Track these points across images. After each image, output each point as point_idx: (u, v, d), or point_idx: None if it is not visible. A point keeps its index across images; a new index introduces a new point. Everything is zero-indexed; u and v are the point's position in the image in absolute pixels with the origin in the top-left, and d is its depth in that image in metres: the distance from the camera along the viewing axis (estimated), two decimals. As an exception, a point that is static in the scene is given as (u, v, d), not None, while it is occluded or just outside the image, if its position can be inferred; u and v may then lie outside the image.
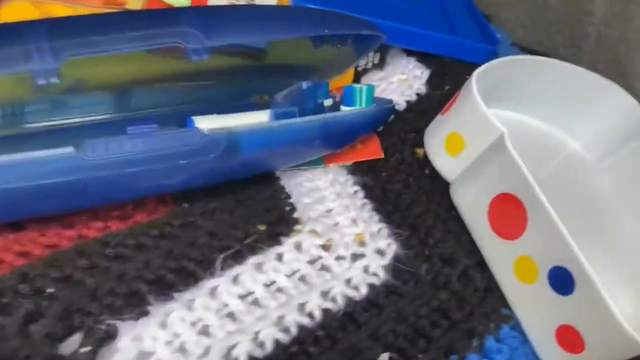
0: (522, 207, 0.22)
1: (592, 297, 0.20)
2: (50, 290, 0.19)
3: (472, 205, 0.25)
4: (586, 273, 0.20)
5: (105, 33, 0.20)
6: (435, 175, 0.27)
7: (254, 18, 0.25)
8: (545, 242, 0.22)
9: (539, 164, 0.27)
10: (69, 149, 0.20)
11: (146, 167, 0.21)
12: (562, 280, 0.21)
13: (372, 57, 0.36)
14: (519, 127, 0.31)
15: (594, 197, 0.30)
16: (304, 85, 0.27)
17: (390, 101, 0.29)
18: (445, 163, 0.26)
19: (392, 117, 0.30)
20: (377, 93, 0.30)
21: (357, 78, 0.35)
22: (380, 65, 0.37)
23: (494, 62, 0.27)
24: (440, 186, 0.27)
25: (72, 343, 0.18)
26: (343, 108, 0.27)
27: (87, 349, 0.18)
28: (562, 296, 0.21)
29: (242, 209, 0.25)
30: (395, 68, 0.36)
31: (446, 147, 0.26)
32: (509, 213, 0.23)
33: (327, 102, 0.28)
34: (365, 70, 0.36)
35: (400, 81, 0.34)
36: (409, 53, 0.37)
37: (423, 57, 0.36)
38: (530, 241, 0.22)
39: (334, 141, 0.27)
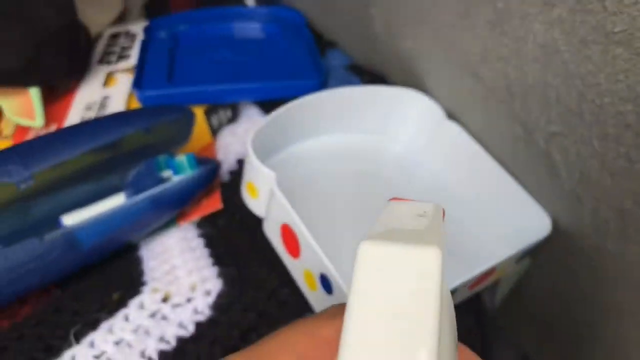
0: (295, 234, 0.28)
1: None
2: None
3: (272, 234, 0.30)
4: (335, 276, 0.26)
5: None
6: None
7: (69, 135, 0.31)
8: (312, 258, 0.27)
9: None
10: None
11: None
12: (326, 284, 0.27)
13: (225, 113, 0.42)
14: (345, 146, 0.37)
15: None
16: (143, 164, 0.33)
17: (214, 161, 0.35)
18: (252, 205, 0.32)
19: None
20: (231, 145, 0.36)
21: (214, 134, 0.41)
22: (234, 118, 0.42)
23: (272, 116, 0.33)
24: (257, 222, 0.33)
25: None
26: (173, 178, 0.33)
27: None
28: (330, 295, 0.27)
29: (100, 284, 0.31)
30: (247, 120, 0.42)
31: (249, 193, 0.32)
32: (290, 238, 0.29)
33: (167, 173, 0.34)
34: (221, 125, 0.42)
35: (247, 132, 0.39)
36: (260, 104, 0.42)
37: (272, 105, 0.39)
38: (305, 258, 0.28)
39: (169, 208, 0.33)
